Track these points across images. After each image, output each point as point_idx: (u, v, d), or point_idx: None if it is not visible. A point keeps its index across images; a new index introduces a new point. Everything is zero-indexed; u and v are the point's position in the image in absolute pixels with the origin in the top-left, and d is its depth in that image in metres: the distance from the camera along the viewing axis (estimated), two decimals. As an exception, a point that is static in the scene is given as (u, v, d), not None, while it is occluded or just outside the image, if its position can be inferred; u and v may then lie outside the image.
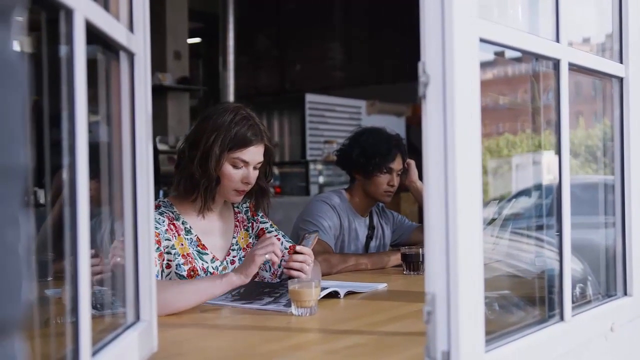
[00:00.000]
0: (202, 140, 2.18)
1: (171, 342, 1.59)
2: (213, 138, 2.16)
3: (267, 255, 1.99)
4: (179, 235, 2.19)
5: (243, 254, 2.35)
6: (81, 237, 1.01)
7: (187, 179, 2.21)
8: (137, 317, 1.37)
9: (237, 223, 2.39)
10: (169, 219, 2.19)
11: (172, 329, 1.73)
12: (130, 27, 1.34)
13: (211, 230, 2.30)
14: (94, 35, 1.11)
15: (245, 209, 2.43)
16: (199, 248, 2.23)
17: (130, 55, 1.34)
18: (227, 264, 2.29)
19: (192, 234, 2.23)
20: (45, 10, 1.00)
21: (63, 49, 1.01)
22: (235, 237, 2.36)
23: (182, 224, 2.23)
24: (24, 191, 0.55)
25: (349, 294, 2.19)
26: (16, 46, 0.56)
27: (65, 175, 1.00)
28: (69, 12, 0.99)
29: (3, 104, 0.51)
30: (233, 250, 2.34)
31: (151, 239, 1.40)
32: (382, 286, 2.36)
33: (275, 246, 2.01)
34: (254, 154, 2.22)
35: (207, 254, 2.24)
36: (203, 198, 2.22)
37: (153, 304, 1.40)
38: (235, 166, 2.21)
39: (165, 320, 1.74)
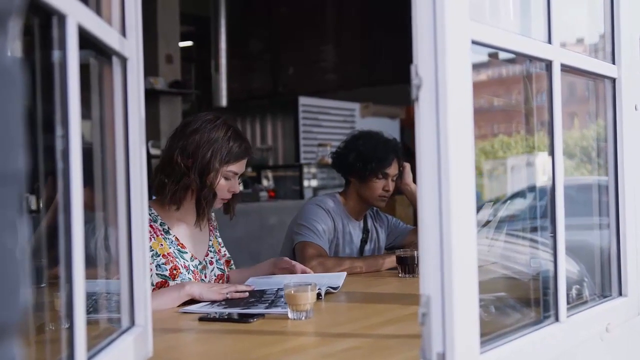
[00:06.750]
0: (198, 153, 2.25)
1: (166, 347, 1.59)
2: (210, 153, 2.25)
3: (228, 295, 2.13)
4: (157, 236, 2.27)
5: (218, 257, 2.47)
6: (75, 243, 1.00)
7: (182, 190, 2.27)
8: (132, 322, 1.36)
9: (212, 228, 2.51)
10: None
11: (167, 334, 1.73)
12: (123, 32, 1.34)
13: (190, 234, 2.38)
14: (86, 40, 1.11)
15: (214, 217, 2.56)
16: (179, 247, 2.31)
17: (123, 60, 1.34)
18: (206, 263, 2.40)
19: (171, 234, 2.31)
20: (38, 15, 0.99)
21: (55, 54, 1.01)
22: (211, 240, 2.47)
23: (160, 225, 2.30)
24: (22, 197, 0.55)
25: (329, 293, 2.22)
26: (13, 52, 0.56)
27: (59, 180, 1.00)
28: (62, 18, 0.99)
29: (2, 111, 0.51)
30: (210, 251, 2.45)
31: (145, 245, 1.40)
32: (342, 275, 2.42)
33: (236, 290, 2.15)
34: (243, 165, 2.36)
35: (187, 252, 2.33)
36: (205, 209, 2.31)
37: (148, 309, 1.39)
38: (226, 178, 2.31)
39: (160, 326, 1.74)
